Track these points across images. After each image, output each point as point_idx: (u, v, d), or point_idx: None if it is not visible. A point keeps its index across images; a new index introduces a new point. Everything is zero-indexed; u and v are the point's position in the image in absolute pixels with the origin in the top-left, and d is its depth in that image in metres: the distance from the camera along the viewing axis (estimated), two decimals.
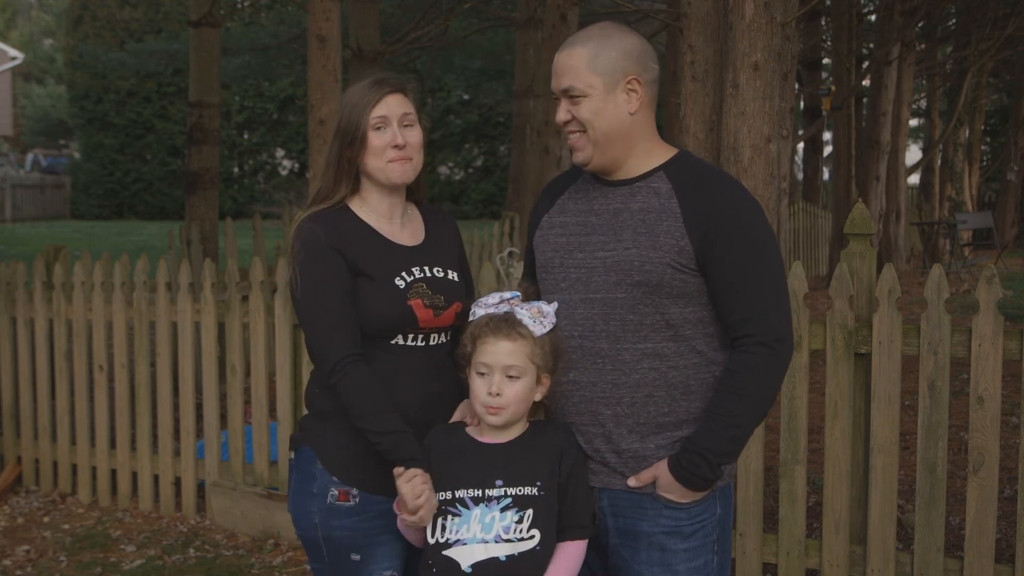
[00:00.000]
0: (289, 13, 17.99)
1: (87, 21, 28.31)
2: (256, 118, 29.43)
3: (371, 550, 2.43)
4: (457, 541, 2.28)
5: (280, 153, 30.18)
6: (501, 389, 2.28)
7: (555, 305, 2.35)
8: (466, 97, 28.84)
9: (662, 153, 2.35)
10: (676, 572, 2.30)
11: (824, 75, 16.23)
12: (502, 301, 2.37)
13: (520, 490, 2.28)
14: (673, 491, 2.27)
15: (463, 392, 2.41)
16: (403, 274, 2.46)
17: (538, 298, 2.40)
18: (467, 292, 2.57)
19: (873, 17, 15.68)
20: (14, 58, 30.15)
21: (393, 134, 2.46)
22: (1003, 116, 24.05)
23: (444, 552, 2.28)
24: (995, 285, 3.47)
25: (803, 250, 15.15)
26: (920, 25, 13.99)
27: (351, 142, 2.47)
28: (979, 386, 3.49)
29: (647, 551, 2.30)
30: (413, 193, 2.62)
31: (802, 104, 16.39)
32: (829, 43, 14.75)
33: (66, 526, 5.19)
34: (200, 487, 5.33)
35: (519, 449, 2.31)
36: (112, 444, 5.55)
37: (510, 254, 9.49)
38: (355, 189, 2.52)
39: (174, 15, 25.80)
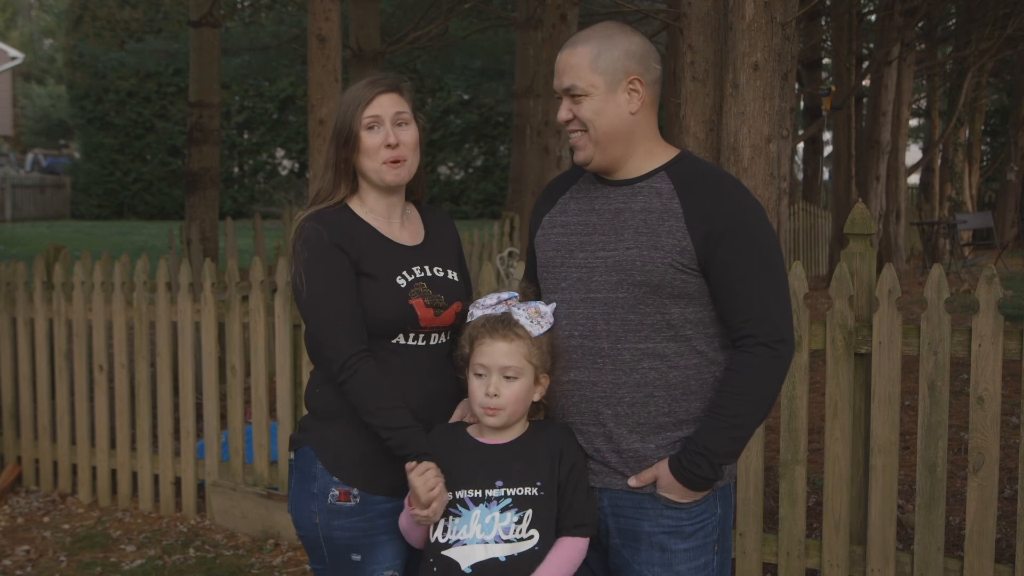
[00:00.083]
0: (289, 13, 17.98)
1: (87, 21, 28.30)
2: (256, 118, 29.42)
3: (372, 550, 2.42)
4: (457, 541, 2.28)
5: (280, 153, 30.17)
6: (498, 390, 2.28)
7: (553, 305, 2.35)
8: (466, 97, 28.83)
9: (664, 153, 2.35)
10: (677, 572, 2.30)
11: (824, 75, 16.22)
12: (500, 302, 2.37)
13: (520, 491, 2.28)
14: (674, 491, 2.27)
15: (463, 392, 2.42)
16: (404, 273, 2.46)
17: (538, 299, 2.40)
18: (467, 292, 2.58)
19: (873, 17, 15.68)
20: (14, 58, 30.13)
21: (386, 134, 2.46)
22: (1003, 116, 24.05)
23: (444, 552, 2.28)
24: (995, 285, 3.47)
25: (803, 250, 15.15)
26: (920, 25, 13.99)
27: (345, 143, 2.47)
28: (979, 386, 3.49)
29: (648, 551, 2.30)
30: (412, 193, 2.62)
31: (802, 104, 16.39)
32: (829, 43, 14.75)
33: (66, 526, 5.19)
34: (200, 487, 5.34)
35: (519, 449, 2.31)
36: (112, 444, 5.55)
37: (510, 254, 9.50)
38: (354, 189, 2.53)
39: (174, 15, 25.80)
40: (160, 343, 5.35)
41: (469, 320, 2.39)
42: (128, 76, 27.54)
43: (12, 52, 30.54)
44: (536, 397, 2.33)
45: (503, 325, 2.31)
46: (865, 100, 14.90)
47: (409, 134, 2.49)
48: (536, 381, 2.32)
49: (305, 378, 4.87)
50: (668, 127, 8.86)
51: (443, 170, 29.71)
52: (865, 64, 14.39)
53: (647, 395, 2.27)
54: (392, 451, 2.33)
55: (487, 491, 2.29)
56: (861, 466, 3.75)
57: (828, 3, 13.35)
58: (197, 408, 5.47)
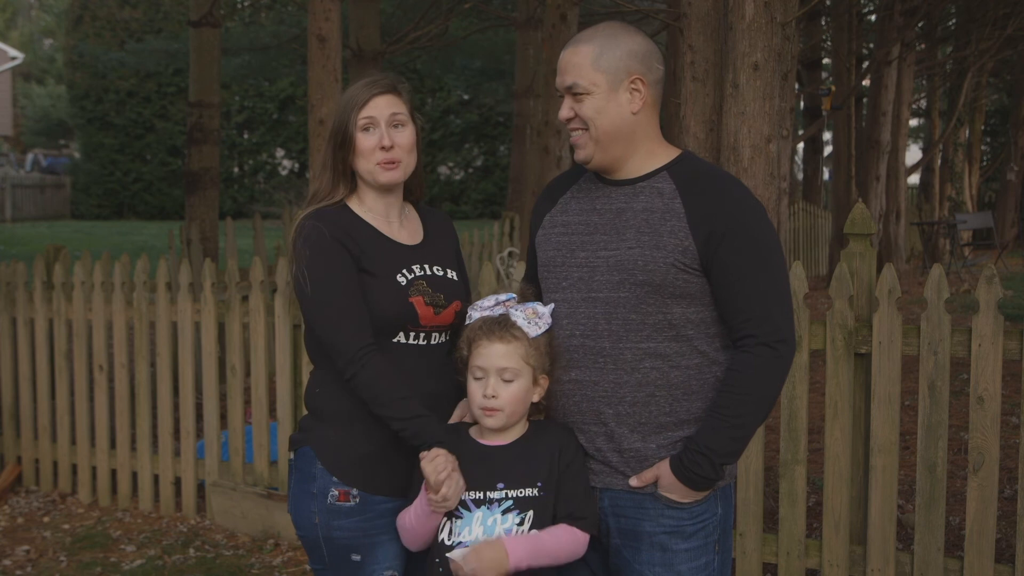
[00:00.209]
0: (289, 13, 17.98)
1: (87, 21, 28.30)
2: (256, 118, 29.42)
3: (371, 550, 2.42)
4: (460, 543, 2.28)
5: (280, 153, 30.17)
6: (497, 391, 2.28)
7: (551, 306, 2.35)
8: (466, 97, 28.82)
9: (665, 154, 2.35)
10: (678, 572, 2.30)
11: (824, 75, 16.22)
12: (497, 303, 2.38)
13: (521, 492, 2.28)
14: (675, 491, 2.27)
15: (463, 392, 2.42)
16: (404, 271, 2.46)
17: (537, 300, 2.40)
18: (466, 292, 2.58)
19: (873, 17, 15.68)
20: (14, 58, 30.13)
21: (380, 135, 2.46)
22: (1003, 116, 24.04)
23: (447, 554, 2.28)
24: (995, 285, 3.47)
25: (803, 250, 15.15)
26: (920, 25, 13.99)
27: (341, 143, 2.48)
28: (979, 386, 3.49)
29: (649, 551, 2.30)
30: (411, 193, 2.62)
31: (802, 104, 16.39)
32: (829, 43, 14.75)
33: (66, 526, 5.19)
34: (200, 487, 5.34)
35: (519, 451, 2.31)
36: (112, 444, 5.55)
37: (510, 254, 9.50)
38: (353, 189, 2.53)
39: (174, 15, 25.79)
40: (160, 343, 5.35)
41: (467, 322, 2.39)
42: (128, 76, 27.53)
43: (12, 52, 30.54)
44: (535, 398, 2.33)
45: (500, 327, 2.31)
46: (865, 100, 14.90)
47: (405, 135, 2.50)
48: (534, 382, 2.31)
49: (305, 378, 4.87)
50: (668, 127, 8.85)
51: (443, 170, 29.70)
52: (865, 64, 14.39)
53: (648, 395, 2.27)
54: (407, 442, 2.33)
55: (488, 493, 2.29)
56: (861, 466, 3.75)
57: (828, 3, 13.35)
58: (197, 408, 5.47)
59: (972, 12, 14.33)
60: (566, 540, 2.26)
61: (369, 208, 2.52)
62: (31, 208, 27.04)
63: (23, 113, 36.05)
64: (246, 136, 29.88)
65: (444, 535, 2.30)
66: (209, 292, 5.16)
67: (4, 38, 37.60)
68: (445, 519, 2.30)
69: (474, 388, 2.31)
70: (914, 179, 20.38)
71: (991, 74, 19.55)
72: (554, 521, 2.29)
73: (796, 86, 11.91)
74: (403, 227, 2.56)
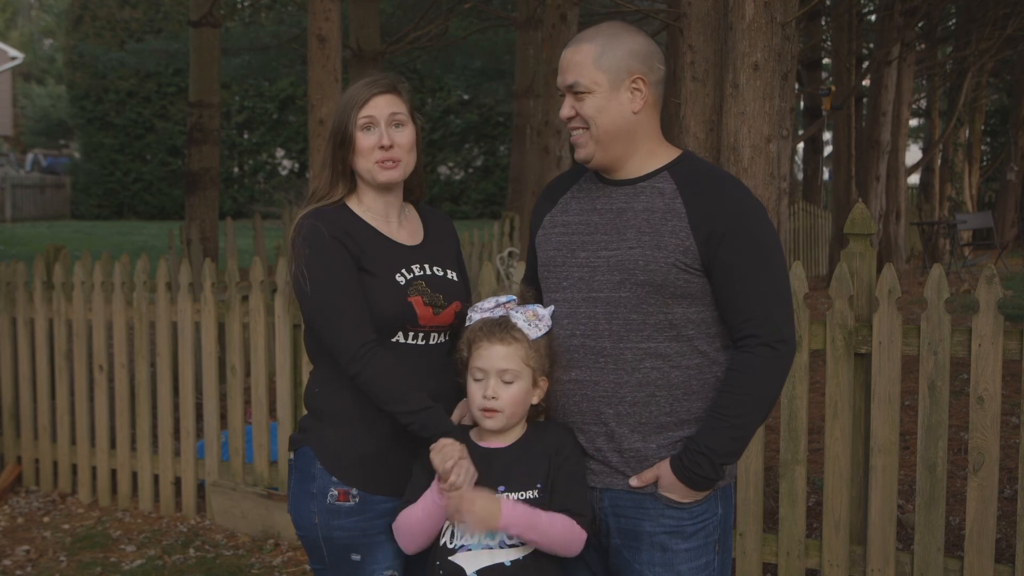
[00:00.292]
0: (289, 13, 17.98)
1: (87, 21, 28.30)
2: (256, 118, 29.42)
3: (371, 550, 2.42)
4: (462, 547, 2.28)
5: (280, 153, 30.17)
6: (497, 393, 2.28)
7: (551, 308, 2.36)
8: (466, 97, 28.82)
9: (666, 154, 2.35)
10: (678, 572, 2.30)
11: (824, 75, 16.23)
12: (498, 305, 2.38)
13: (521, 494, 2.28)
14: (675, 491, 2.27)
15: (462, 393, 2.42)
16: (403, 271, 2.46)
17: (536, 302, 2.40)
18: (466, 292, 2.58)
19: (873, 17, 15.68)
20: (14, 58, 30.13)
21: (380, 135, 2.46)
22: (1003, 116, 24.04)
23: (450, 558, 2.28)
24: (995, 285, 3.47)
25: (803, 250, 15.15)
26: (920, 25, 13.99)
27: (341, 143, 2.49)
28: (979, 386, 3.49)
29: (649, 551, 2.30)
30: (411, 193, 2.62)
31: (802, 104, 16.39)
32: (829, 43, 14.75)
33: (66, 526, 5.19)
34: (200, 487, 5.34)
35: (518, 453, 2.31)
36: (112, 444, 5.55)
37: (510, 254, 9.50)
38: (352, 189, 2.54)
39: (174, 15, 25.79)
40: (160, 343, 5.35)
41: (467, 324, 2.39)
42: (128, 76, 27.54)
43: (12, 52, 30.54)
44: (534, 400, 2.33)
45: (500, 328, 2.31)
46: (865, 100, 14.90)
47: (404, 135, 2.50)
48: (534, 384, 2.32)
49: (305, 378, 4.86)
50: (668, 127, 8.85)
51: (443, 170, 29.71)
52: (865, 64, 14.39)
53: (649, 395, 2.27)
54: (416, 434, 2.33)
55: None
56: (861, 466, 3.75)
57: (828, 3, 13.35)
58: (197, 408, 5.47)
59: (972, 12, 14.33)
60: (561, 526, 2.25)
61: (368, 208, 2.52)
62: (31, 208, 27.04)
63: (23, 113, 36.05)
64: (246, 136, 29.88)
65: (446, 539, 2.30)
66: (209, 292, 5.16)
67: (4, 38, 37.60)
68: (447, 523, 2.30)
69: (474, 389, 2.31)
70: (914, 179, 20.38)
71: (991, 74, 19.55)
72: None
73: (796, 86, 11.92)
74: (403, 227, 2.56)
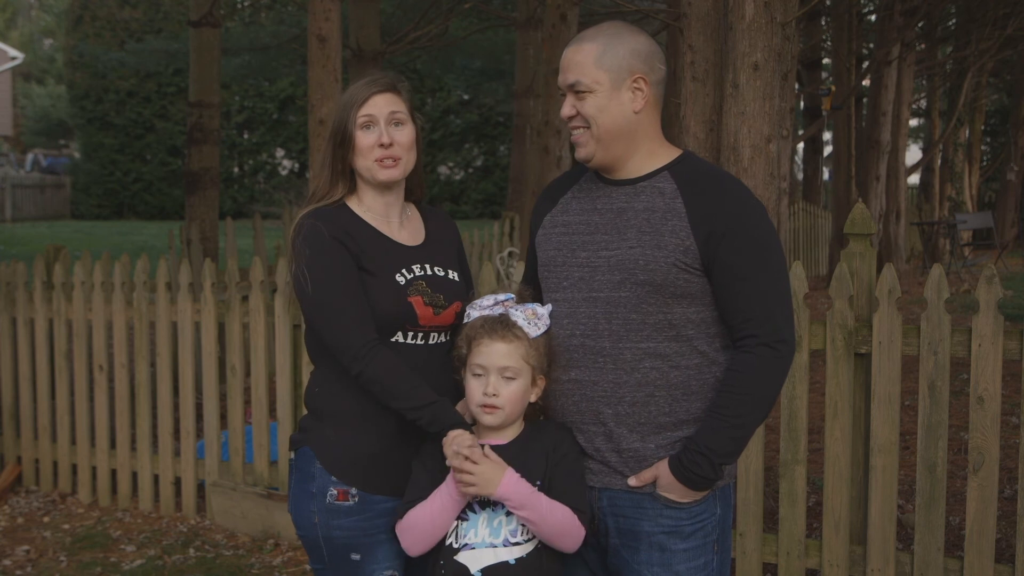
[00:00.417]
0: (289, 13, 17.99)
1: (87, 21, 28.30)
2: (256, 118, 29.42)
3: (371, 550, 2.42)
4: (466, 546, 2.28)
5: (280, 153, 30.17)
6: (497, 389, 2.28)
7: (549, 307, 2.36)
8: (466, 97, 28.82)
9: (666, 153, 2.36)
10: (676, 572, 2.30)
11: (824, 75, 16.23)
12: (496, 303, 2.38)
13: None
14: (673, 491, 2.27)
15: (462, 392, 2.42)
16: (403, 271, 2.46)
17: (534, 302, 2.41)
18: (467, 292, 2.58)
19: (873, 17, 15.68)
20: (14, 58, 30.13)
21: (379, 133, 2.46)
22: (1003, 116, 24.04)
23: (454, 557, 2.28)
24: (995, 285, 3.47)
25: (803, 250, 15.15)
26: (920, 25, 13.99)
27: (341, 142, 2.49)
28: (979, 386, 3.49)
29: (647, 551, 2.30)
30: (412, 193, 2.62)
31: (802, 104, 16.39)
32: (829, 43, 14.75)
33: (66, 526, 5.19)
34: (200, 487, 5.34)
35: (517, 451, 2.31)
36: (112, 444, 5.55)
37: (510, 254, 9.50)
38: (352, 189, 2.54)
39: (174, 15, 25.79)
40: (160, 343, 5.35)
41: (466, 321, 2.39)
42: (128, 76, 27.54)
43: (12, 52, 30.54)
44: (532, 398, 2.34)
45: (502, 326, 2.31)
46: (865, 100, 14.90)
47: (404, 134, 2.50)
48: (533, 382, 2.32)
49: (305, 378, 4.87)
50: (668, 127, 8.85)
51: (443, 170, 29.71)
52: (865, 64, 14.39)
53: (648, 395, 2.27)
54: (424, 429, 2.33)
55: None
56: (861, 466, 3.75)
57: (828, 3, 13.35)
58: (197, 408, 5.47)
59: (972, 12, 14.33)
60: (561, 515, 2.25)
61: (368, 208, 2.53)
62: (31, 208, 27.04)
63: (23, 113, 36.05)
64: (246, 136, 29.88)
65: (452, 539, 2.30)
66: (209, 292, 5.16)
67: (4, 38, 37.60)
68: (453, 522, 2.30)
69: (474, 385, 2.31)
70: (914, 179, 20.38)
71: (991, 74, 19.55)
72: None
73: (796, 86, 11.92)
74: (403, 227, 2.56)
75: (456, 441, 2.26)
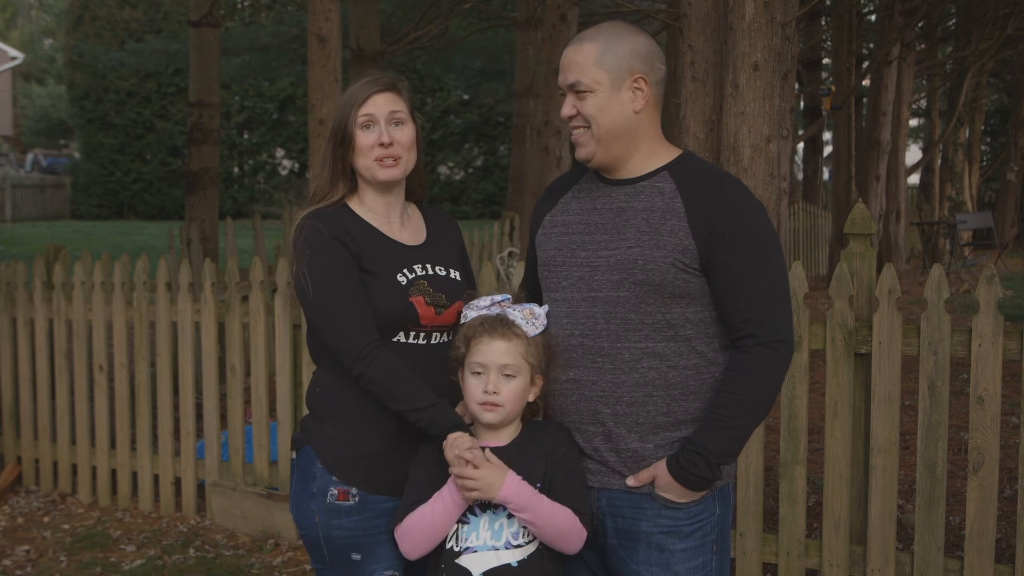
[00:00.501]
0: (289, 13, 17.99)
1: (87, 21, 28.30)
2: (256, 118, 29.42)
3: (372, 550, 2.42)
4: (467, 549, 2.28)
5: (280, 153, 30.17)
6: (498, 387, 2.28)
7: (546, 308, 2.37)
8: (466, 97, 28.82)
9: (666, 153, 2.36)
10: (675, 572, 2.30)
11: (824, 75, 16.23)
12: (493, 304, 2.38)
13: None
14: (671, 491, 2.27)
15: (460, 394, 2.41)
16: (405, 271, 2.46)
17: (530, 302, 2.41)
18: (469, 292, 2.57)
19: (873, 17, 15.68)
20: (14, 58, 30.13)
21: (380, 132, 2.46)
22: (1003, 116, 24.04)
23: (456, 560, 2.28)
24: (995, 285, 3.47)
25: (803, 250, 15.15)
26: (920, 25, 13.99)
27: (341, 141, 2.49)
28: (979, 386, 3.49)
29: (645, 551, 2.30)
30: (413, 193, 2.62)
31: (802, 104, 16.39)
32: (829, 43, 14.75)
33: (66, 526, 5.19)
34: (200, 487, 5.34)
35: (516, 452, 2.31)
36: (112, 444, 5.55)
37: (510, 254, 9.50)
38: (353, 189, 2.54)
39: (174, 15, 25.79)
40: (160, 343, 5.35)
41: (463, 321, 2.39)
42: (128, 76, 27.53)
43: (12, 52, 30.54)
44: (530, 398, 2.34)
45: (501, 324, 2.32)
46: (865, 100, 14.90)
47: (404, 133, 2.50)
48: (531, 381, 2.32)
49: (305, 378, 4.87)
50: (668, 127, 8.84)
51: (443, 170, 29.71)
52: (865, 64, 14.39)
53: (646, 395, 2.27)
54: (424, 431, 2.33)
55: None
56: (861, 466, 3.75)
57: (828, 3, 13.35)
58: (197, 408, 5.47)
59: (972, 12, 14.33)
60: (563, 517, 2.25)
61: (369, 208, 2.53)
62: (31, 208, 27.04)
63: (23, 113, 36.05)
64: (246, 136, 29.88)
65: (452, 542, 2.30)
66: (209, 292, 5.16)
67: (4, 38, 37.59)
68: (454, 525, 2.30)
69: (473, 384, 2.31)
70: (914, 179, 20.38)
71: (991, 74, 19.54)
72: None
73: (796, 86, 11.92)
74: (404, 227, 2.56)
75: (456, 443, 2.26)
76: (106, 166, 28.59)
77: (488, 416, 2.30)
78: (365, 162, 2.48)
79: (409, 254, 2.51)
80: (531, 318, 2.33)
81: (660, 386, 2.27)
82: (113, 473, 5.55)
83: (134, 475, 5.49)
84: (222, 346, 5.59)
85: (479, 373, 2.31)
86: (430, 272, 2.50)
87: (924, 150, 20.34)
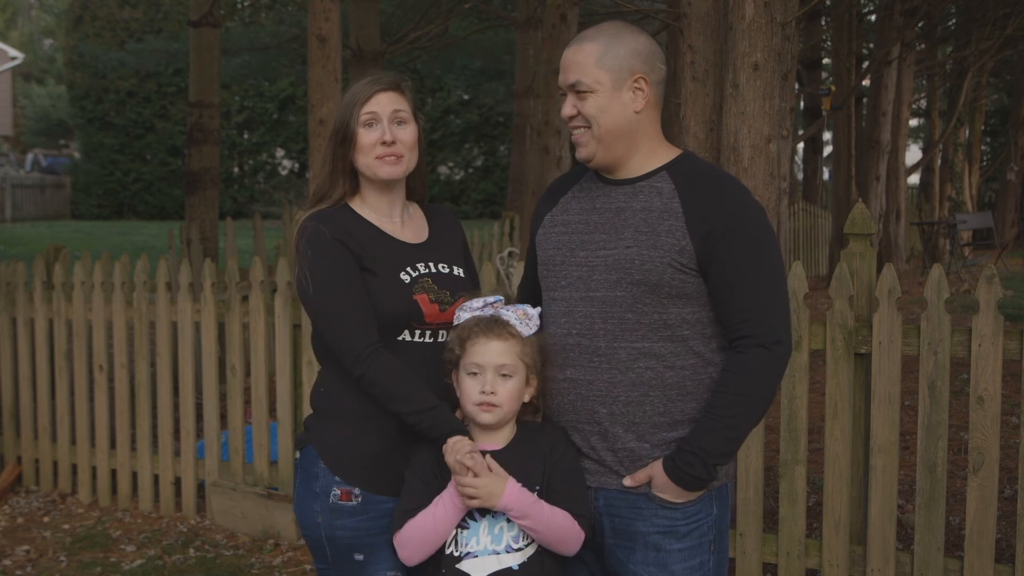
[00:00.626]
0: (289, 13, 17.98)
1: (87, 21, 28.30)
2: (256, 118, 29.42)
3: (374, 550, 2.42)
4: (468, 554, 2.28)
5: (280, 153, 30.17)
6: (495, 388, 2.28)
7: (539, 309, 2.37)
8: (466, 97, 28.82)
9: (666, 153, 2.36)
10: (672, 572, 2.30)
11: (824, 75, 16.23)
12: (486, 304, 2.38)
13: None
14: (668, 491, 2.27)
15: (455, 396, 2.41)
16: (408, 269, 2.46)
17: (523, 303, 2.42)
18: (473, 288, 2.57)
19: (873, 17, 15.68)
20: (14, 58, 30.13)
21: (382, 131, 2.46)
22: (1003, 116, 24.04)
23: (457, 566, 2.27)
24: (995, 285, 3.47)
25: (803, 250, 15.15)
26: (920, 25, 13.99)
27: (343, 140, 2.49)
28: (979, 386, 3.49)
29: (643, 551, 2.30)
30: (414, 192, 2.62)
31: (802, 104, 16.40)
32: (829, 43, 14.75)
33: (66, 526, 5.19)
34: (200, 487, 5.34)
35: (513, 455, 2.31)
36: (112, 444, 5.55)
37: (510, 254, 9.50)
38: (354, 189, 2.53)
39: (174, 15, 25.79)
40: (160, 343, 5.35)
41: (456, 323, 2.39)
42: (128, 76, 27.54)
43: (12, 52, 30.54)
44: (526, 398, 2.34)
45: (497, 324, 2.32)
46: (865, 100, 14.90)
47: (407, 132, 2.50)
48: (527, 381, 2.32)
49: (305, 378, 4.87)
50: (668, 127, 8.84)
51: (443, 170, 29.71)
52: (865, 64, 14.39)
53: (643, 395, 2.27)
54: (424, 434, 2.32)
55: None
56: (861, 466, 3.75)
57: (828, 3, 13.35)
58: (197, 408, 5.47)
59: (972, 12, 14.33)
60: (562, 520, 2.25)
61: (371, 207, 2.53)
62: (31, 208, 27.04)
63: (23, 113, 36.05)
64: (246, 136, 29.88)
65: (452, 548, 2.29)
66: (209, 292, 5.16)
67: (4, 38, 37.59)
68: (453, 530, 2.30)
69: (470, 385, 2.31)
70: (914, 179, 20.38)
71: (991, 74, 19.55)
72: None
73: (796, 86, 11.92)
74: (406, 226, 2.56)
75: (456, 447, 2.25)
76: (106, 166, 28.59)
77: (485, 417, 2.30)
78: (367, 160, 2.48)
79: (411, 252, 2.51)
80: (525, 319, 2.34)
81: (657, 386, 2.27)
82: (113, 473, 5.55)
83: (134, 475, 5.49)
84: (222, 346, 5.59)
85: (475, 374, 2.30)
86: (433, 270, 2.50)
87: (924, 150, 20.34)
